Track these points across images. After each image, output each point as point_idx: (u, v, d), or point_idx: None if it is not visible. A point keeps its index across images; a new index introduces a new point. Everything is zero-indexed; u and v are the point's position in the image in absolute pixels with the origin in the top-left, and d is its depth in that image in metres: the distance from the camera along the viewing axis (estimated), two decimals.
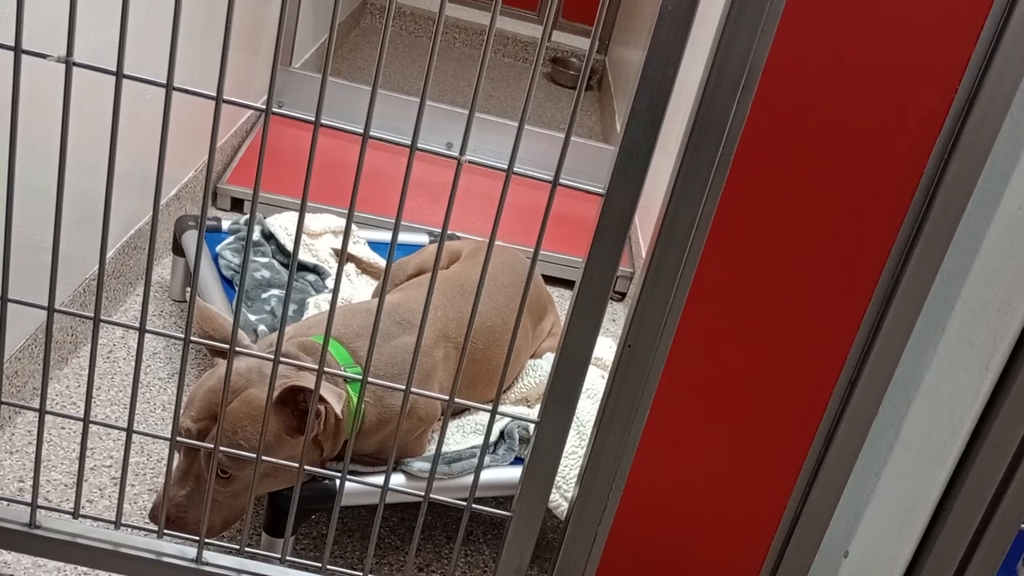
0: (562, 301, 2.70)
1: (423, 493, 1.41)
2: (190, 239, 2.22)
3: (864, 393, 1.35)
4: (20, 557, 1.60)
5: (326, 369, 1.33)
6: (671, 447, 1.41)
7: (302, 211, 1.22)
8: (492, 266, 1.89)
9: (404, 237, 2.45)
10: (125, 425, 1.39)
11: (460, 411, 1.86)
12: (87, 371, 1.67)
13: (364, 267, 2.32)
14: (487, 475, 1.69)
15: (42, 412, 1.38)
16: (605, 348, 2.07)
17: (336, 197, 2.73)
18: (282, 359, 1.34)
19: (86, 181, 1.90)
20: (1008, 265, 1.23)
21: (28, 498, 1.46)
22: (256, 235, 2.26)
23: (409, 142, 1.18)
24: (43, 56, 1.15)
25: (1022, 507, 1.35)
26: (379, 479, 1.47)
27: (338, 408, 1.45)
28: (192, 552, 1.46)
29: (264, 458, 1.39)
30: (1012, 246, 1.22)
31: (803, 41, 1.18)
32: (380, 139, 1.21)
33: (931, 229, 1.25)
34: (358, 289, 2.23)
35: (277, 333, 1.35)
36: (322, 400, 1.43)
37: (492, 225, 1.24)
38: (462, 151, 1.17)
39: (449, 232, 2.56)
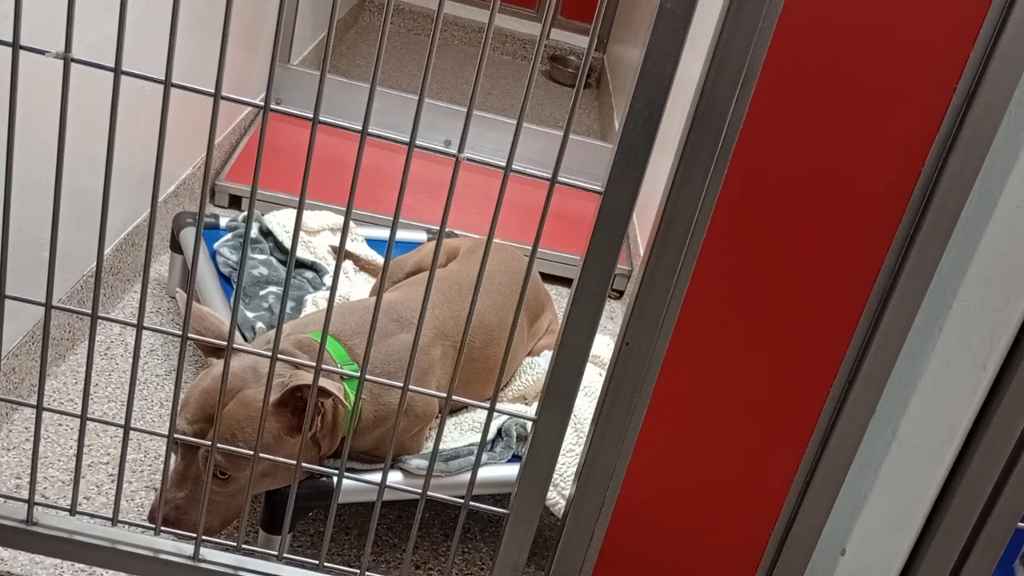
0: (560, 299, 2.70)
1: (420, 490, 1.41)
2: (188, 236, 2.21)
3: (862, 391, 1.35)
4: (17, 554, 1.60)
5: (323, 366, 1.33)
6: (668, 445, 1.41)
7: (300, 208, 1.22)
8: (490, 264, 1.89)
9: (402, 235, 2.45)
10: (122, 422, 1.39)
11: (457, 409, 1.86)
12: (84, 368, 1.67)
13: (362, 264, 2.32)
14: (484, 473, 1.69)
15: (39, 409, 1.38)
16: (603, 346, 2.07)
17: (334, 194, 2.73)
18: (279, 356, 1.33)
19: (84, 177, 1.90)
20: (1006, 264, 1.24)
21: (25, 495, 1.46)
22: (254, 232, 2.25)
23: (407, 139, 1.18)
24: (41, 52, 1.15)
25: (1019, 505, 1.35)
26: (376, 476, 1.47)
27: (341, 395, 1.45)
28: (189, 549, 1.46)
29: (262, 455, 1.39)
30: (1010, 245, 1.22)
31: (802, 39, 1.18)
32: (378, 136, 1.21)
33: (929, 227, 1.25)
34: (356, 286, 2.23)
35: (274, 330, 1.35)
36: (325, 393, 1.43)
37: (490, 223, 1.24)
38: (460, 148, 1.17)
39: (447, 230, 2.56)
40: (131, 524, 1.51)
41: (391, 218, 1.23)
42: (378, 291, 1.30)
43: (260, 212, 2.34)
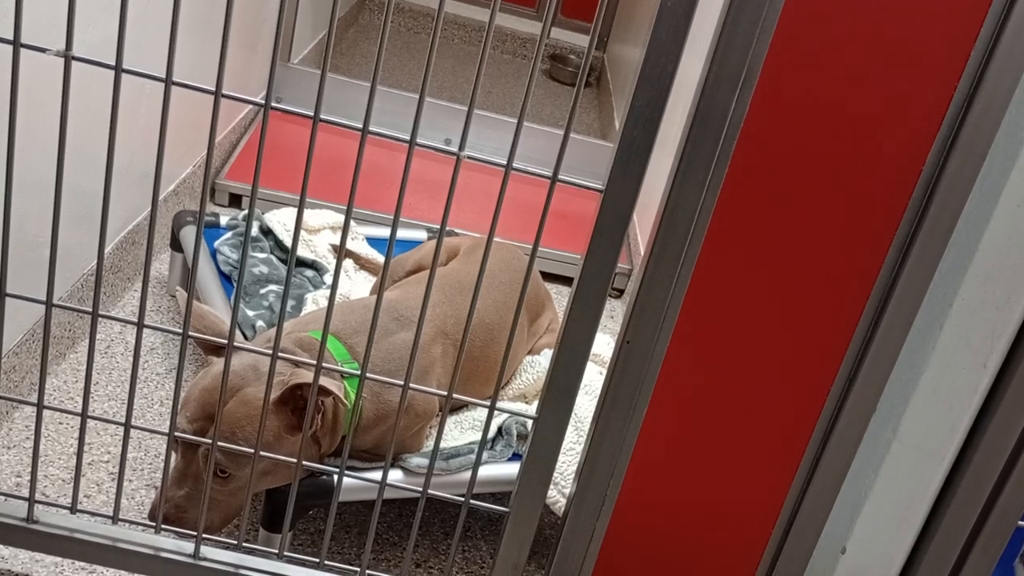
0: (560, 298, 2.70)
1: (421, 489, 1.41)
2: (188, 235, 2.22)
3: (862, 390, 1.35)
4: (18, 552, 1.60)
5: (323, 365, 1.33)
6: (669, 443, 1.41)
7: (301, 207, 1.22)
8: (490, 263, 1.89)
9: (402, 233, 2.45)
10: (123, 420, 1.39)
11: (458, 407, 1.86)
12: (85, 366, 1.67)
13: (362, 263, 2.32)
14: (485, 471, 1.69)
15: (40, 407, 1.38)
16: (603, 345, 2.07)
17: (335, 193, 2.73)
18: (280, 355, 1.33)
19: (84, 176, 1.90)
20: (1006, 263, 1.24)
21: (26, 493, 1.46)
22: (254, 231, 2.25)
23: (408, 138, 1.18)
24: (42, 50, 1.15)
25: (1019, 504, 1.35)
26: (377, 475, 1.48)
27: (341, 394, 1.46)
28: (190, 547, 1.46)
29: (263, 454, 1.40)
30: (1010, 244, 1.22)
31: (802, 38, 1.18)
32: (379, 135, 1.21)
33: (930, 226, 1.25)
34: (356, 285, 2.23)
35: (275, 329, 1.35)
36: (325, 392, 1.43)
37: (491, 221, 1.24)
38: (461, 147, 1.17)
39: (448, 228, 2.56)
40: (132, 522, 1.51)
41: (392, 217, 1.23)
42: (379, 290, 1.30)
43: (260, 211, 2.34)
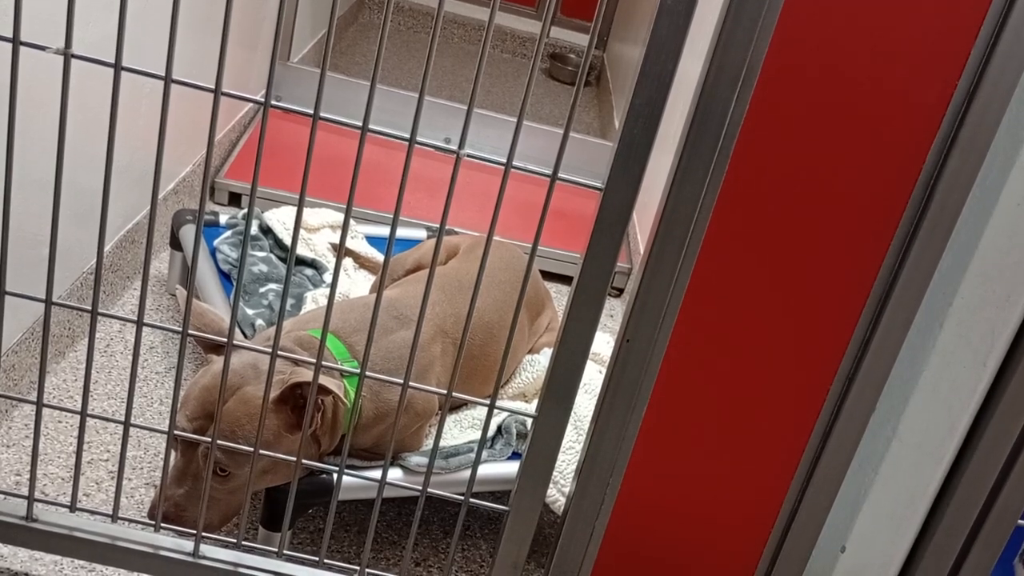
0: (560, 297, 2.70)
1: (420, 487, 1.41)
2: (188, 233, 2.21)
3: (862, 388, 1.35)
4: (17, 550, 1.60)
5: (323, 363, 1.33)
6: (669, 442, 1.41)
7: (300, 205, 1.22)
8: (490, 262, 1.89)
9: (402, 232, 2.45)
10: (122, 419, 1.39)
11: (457, 406, 1.86)
12: (84, 365, 1.67)
13: (362, 262, 2.32)
14: (484, 470, 1.69)
15: (39, 405, 1.38)
16: (603, 344, 2.07)
17: (334, 192, 2.73)
18: (279, 353, 1.33)
19: (84, 174, 1.90)
20: (1006, 261, 1.24)
21: (25, 491, 1.46)
22: (254, 229, 2.25)
23: (407, 137, 1.18)
24: (42, 48, 1.15)
25: (1019, 502, 1.35)
26: (376, 473, 1.48)
27: (341, 393, 1.45)
28: (189, 546, 1.46)
29: (262, 452, 1.40)
30: (1010, 242, 1.22)
31: (802, 36, 1.18)
32: (378, 133, 1.21)
33: (930, 224, 1.25)
34: (356, 284, 2.23)
35: (274, 328, 1.35)
36: (325, 391, 1.43)
37: (490, 220, 1.24)
38: (461, 145, 1.17)
39: (447, 227, 2.56)
40: (131, 521, 1.51)
41: (391, 215, 1.23)
42: (378, 288, 1.30)
43: (260, 209, 2.34)
